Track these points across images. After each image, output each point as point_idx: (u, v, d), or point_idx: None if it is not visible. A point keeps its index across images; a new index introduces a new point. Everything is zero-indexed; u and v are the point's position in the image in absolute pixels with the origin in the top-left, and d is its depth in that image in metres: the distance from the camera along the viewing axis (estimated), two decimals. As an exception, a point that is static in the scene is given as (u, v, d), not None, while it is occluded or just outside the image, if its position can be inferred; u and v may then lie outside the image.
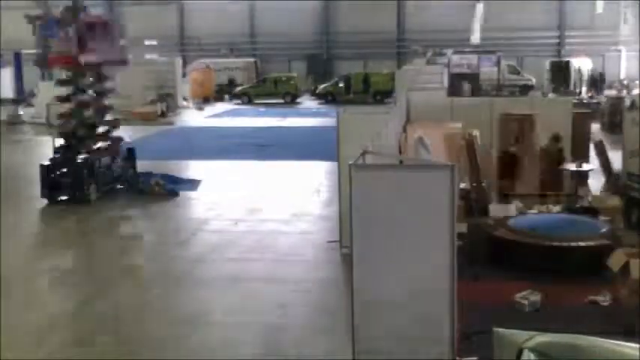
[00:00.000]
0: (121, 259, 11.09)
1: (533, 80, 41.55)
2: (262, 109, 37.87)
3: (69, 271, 10.59)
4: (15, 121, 31.75)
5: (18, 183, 16.74)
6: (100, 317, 8.58)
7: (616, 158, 12.56)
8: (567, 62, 39.32)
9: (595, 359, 3.83)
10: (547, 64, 40.18)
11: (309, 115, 33.28)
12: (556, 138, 12.54)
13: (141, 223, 13.88)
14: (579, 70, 38.47)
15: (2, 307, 8.50)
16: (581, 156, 12.90)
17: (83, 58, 14.75)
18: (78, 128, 15.21)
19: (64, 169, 14.46)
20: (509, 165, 12.61)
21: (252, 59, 48.17)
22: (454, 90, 27.13)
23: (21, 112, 33.54)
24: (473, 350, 6.07)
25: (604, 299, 7.90)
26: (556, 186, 12.28)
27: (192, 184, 16.17)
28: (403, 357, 5.12)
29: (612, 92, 35.48)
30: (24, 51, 42.64)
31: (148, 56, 40.32)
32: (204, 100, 39.72)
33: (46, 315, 8.57)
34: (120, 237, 12.87)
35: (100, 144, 15.57)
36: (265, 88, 41.48)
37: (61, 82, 16.45)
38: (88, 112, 15.62)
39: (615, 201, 11.33)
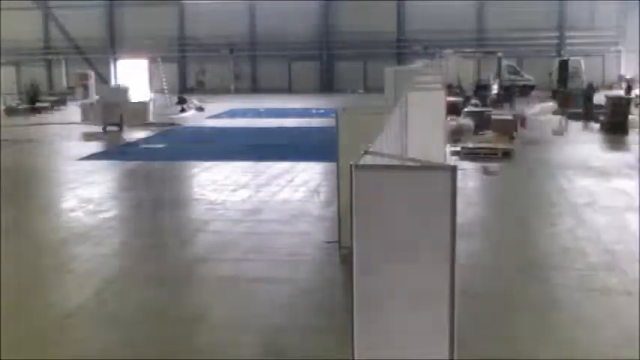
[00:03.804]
0: (121, 258, 11.07)
1: (533, 80, 41.59)
2: (262, 109, 37.95)
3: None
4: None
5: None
6: (105, 317, 8.59)
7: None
8: (578, 61, 39.39)
9: None
10: (555, 62, 40.18)
11: (309, 116, 33.33)
12: None
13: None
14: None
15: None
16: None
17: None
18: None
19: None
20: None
21: None
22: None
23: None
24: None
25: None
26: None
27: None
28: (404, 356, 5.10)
29: (612, 92, 35.52)
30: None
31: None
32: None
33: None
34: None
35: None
36: None
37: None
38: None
39: None
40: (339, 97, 42.66)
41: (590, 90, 29.42)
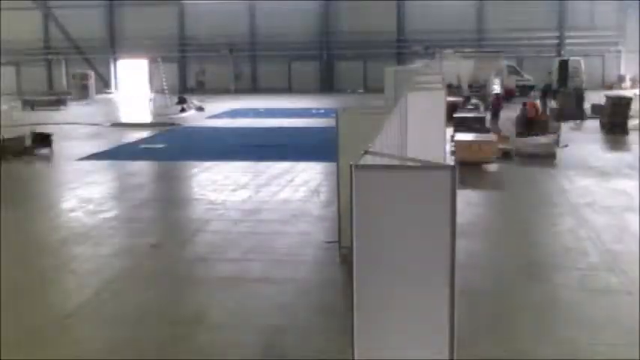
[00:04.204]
0: (121, 258, 11.07)
1: (532, 80, 41.57)
2: (262, 109, 37.95)
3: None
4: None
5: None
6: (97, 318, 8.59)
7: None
8: (578, 61, 39.39)
9: None
10: (555, 62, 40.16)
11: (309, 116, 33.33)
12: None
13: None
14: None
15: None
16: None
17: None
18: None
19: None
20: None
21: None
22: None
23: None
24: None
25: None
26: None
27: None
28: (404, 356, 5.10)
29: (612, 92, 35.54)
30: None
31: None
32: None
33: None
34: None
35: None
36: None
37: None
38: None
39: None
40: (339, 97, 42.64)
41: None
